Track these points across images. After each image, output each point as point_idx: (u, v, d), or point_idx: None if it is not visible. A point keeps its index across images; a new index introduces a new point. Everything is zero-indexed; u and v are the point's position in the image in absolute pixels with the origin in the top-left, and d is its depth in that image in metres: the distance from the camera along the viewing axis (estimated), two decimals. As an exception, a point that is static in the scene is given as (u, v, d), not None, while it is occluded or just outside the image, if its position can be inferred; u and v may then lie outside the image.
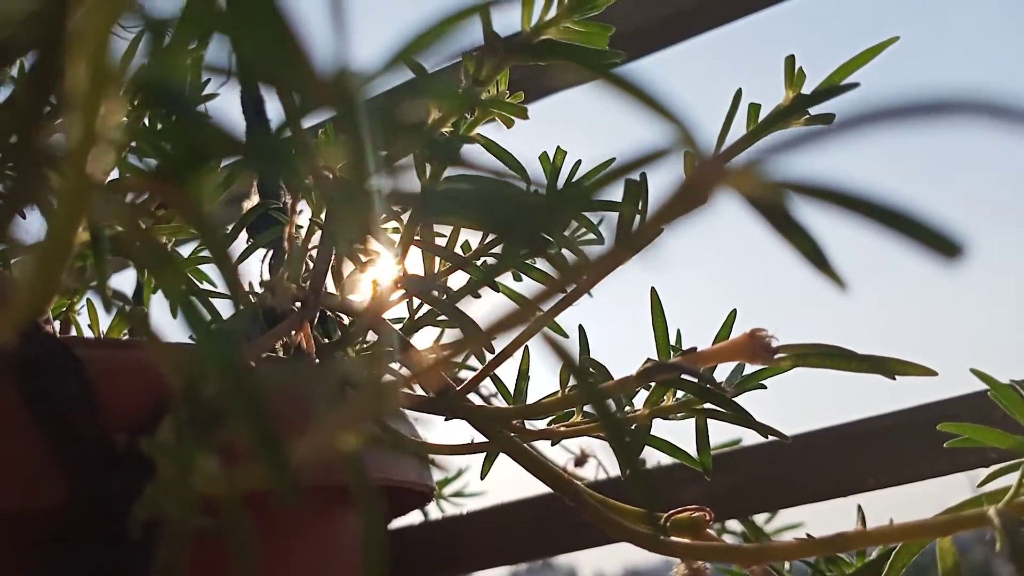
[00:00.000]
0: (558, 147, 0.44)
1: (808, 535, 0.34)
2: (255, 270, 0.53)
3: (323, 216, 0.40)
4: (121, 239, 0.32)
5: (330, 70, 0.15)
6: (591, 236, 0.46)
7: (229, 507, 0.19)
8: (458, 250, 0.47)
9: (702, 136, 0.17)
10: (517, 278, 0.50)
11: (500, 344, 0.38)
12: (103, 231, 0.22)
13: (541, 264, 0.49)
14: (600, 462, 0.61)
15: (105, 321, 0.46)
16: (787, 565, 0.51)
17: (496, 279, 0.44)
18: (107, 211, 0.18)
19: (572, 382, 0.39)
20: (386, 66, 0.18)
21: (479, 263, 0.45)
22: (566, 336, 0.54)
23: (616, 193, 0.37)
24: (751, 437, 0.64)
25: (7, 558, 0.30)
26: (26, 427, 0.28)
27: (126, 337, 0.45)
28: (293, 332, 0.36)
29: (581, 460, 0.59)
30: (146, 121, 0.32)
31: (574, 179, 0.43)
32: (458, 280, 0.47)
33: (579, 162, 0.44)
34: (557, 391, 0.39)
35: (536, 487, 0.68)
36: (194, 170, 0.16)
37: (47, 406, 0.28)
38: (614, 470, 0.63)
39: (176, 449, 0.20)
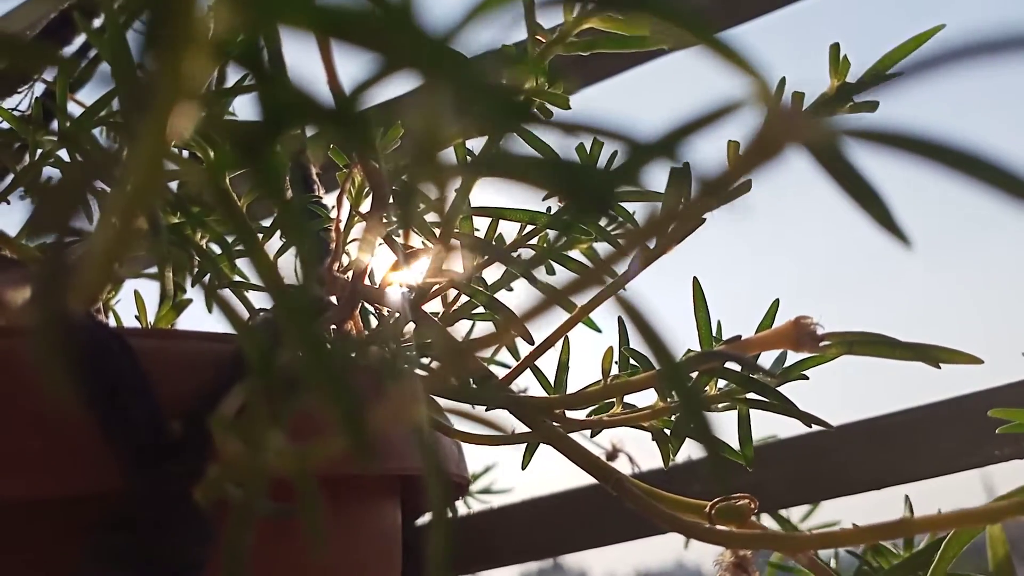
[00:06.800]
0: (595, 139, 0.44)
1: (854, 524, 0.33)
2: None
3: (363, 207, 0.40)
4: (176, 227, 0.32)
5: (415, 31, 0.15)
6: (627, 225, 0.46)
7: (303, 484, 0.19)
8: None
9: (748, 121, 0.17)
10: (550, 271, 0.50)
11: (541, 334, 0.37)
12: (160, 216, 0.22)
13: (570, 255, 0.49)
14: (630, 457, 0.61)
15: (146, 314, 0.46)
16: (833, 562, 0.51)
17: (532, 273, 0.44)
18: (191, 176, 0.18)
19: (615, 371, 0.39)
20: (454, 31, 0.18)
21: (516, 255, 0.45)
22: (599, 331, 0.54)
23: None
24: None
25: (61, 544, 0.30)
26: (80, 414, 0.28)
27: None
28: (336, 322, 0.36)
29: (612, 455, 0.59)
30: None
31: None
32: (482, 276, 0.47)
33: (615, 153, 0.44)
34: (598, 380, 0.39)
35: (553, 485, 0.68)
36: (274, 138, 0.16)
37: (101, 393, 0.28)
38: (644, 464, 0.62)
39: (246, 426, 0.20)
